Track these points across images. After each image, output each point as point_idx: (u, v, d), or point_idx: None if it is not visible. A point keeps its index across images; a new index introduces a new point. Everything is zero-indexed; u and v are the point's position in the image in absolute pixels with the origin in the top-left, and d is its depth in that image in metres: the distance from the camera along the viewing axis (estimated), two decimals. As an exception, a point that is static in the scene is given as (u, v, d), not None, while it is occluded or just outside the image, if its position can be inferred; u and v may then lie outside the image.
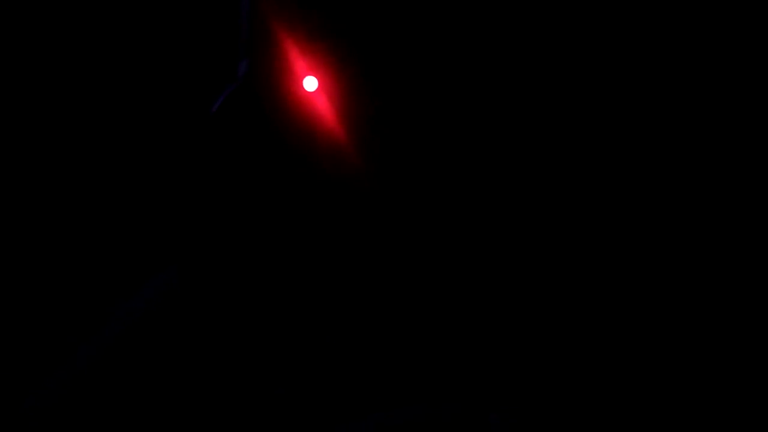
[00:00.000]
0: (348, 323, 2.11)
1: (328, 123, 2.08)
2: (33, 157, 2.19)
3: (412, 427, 1.94)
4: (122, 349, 2.01)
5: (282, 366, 2.10)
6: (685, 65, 2.08)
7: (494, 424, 1.98)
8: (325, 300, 2.12)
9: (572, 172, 2.11)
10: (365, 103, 2.11)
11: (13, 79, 2.17)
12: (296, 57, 2.07)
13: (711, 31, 2.06)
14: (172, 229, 2.16)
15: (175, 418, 2.02)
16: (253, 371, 2.07)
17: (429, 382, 2.07)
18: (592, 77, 2.09)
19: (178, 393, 2.02)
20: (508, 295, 2.09)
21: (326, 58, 2.09)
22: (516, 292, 2.09)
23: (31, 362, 2.06)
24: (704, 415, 2.00)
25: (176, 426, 2.02)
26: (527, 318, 2.09)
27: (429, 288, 2.11)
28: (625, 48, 2.08)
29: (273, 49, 2.08)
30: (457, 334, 2.09)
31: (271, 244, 2.13)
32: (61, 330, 2.10)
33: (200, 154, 2.11)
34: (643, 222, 2.11)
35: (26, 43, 2.17)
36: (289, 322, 2.11)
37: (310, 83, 2.10)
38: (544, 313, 2.08)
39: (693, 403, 2.03)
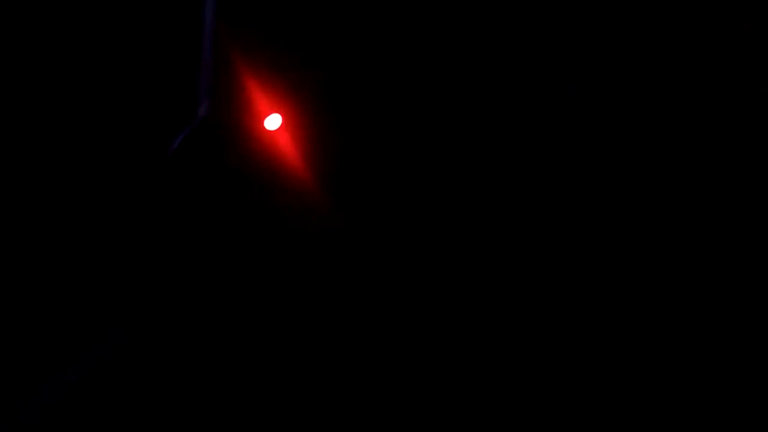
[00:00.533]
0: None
1: (290, 160, 2.05)
2: None
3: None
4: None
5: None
6: (684, 66, 2.08)
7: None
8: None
9: (572, 174, 2.11)
10: (328, 140, 2.07)
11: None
12: (258, 96, 2.03)
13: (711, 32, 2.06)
14: (124, 283, 2.09)
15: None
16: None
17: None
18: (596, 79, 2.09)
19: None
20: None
21: (288, 96, 2.06)
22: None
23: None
24: (705, 414, 1.99)
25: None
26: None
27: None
28: (626, 48, 2.08)
29: (234, 89, 2.04)
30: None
31: (232, 285, 2.08)
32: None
33: (159, 196, 2.06)
34: (643, 222, 2.12)
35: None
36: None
37: (273, 121, 2.05)
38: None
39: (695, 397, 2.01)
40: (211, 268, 2.08)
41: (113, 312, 2.01)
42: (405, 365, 2.02)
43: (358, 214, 2.10)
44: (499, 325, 2.06)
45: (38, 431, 1.90)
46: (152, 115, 2.11)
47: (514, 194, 2.12)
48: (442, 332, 2.05)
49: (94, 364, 1.97)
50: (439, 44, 2.11)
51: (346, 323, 2.04)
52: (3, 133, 2.05)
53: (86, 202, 2.09)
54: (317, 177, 2.07)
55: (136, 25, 2.10)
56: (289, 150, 2.06)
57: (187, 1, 2.06)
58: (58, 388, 1.94)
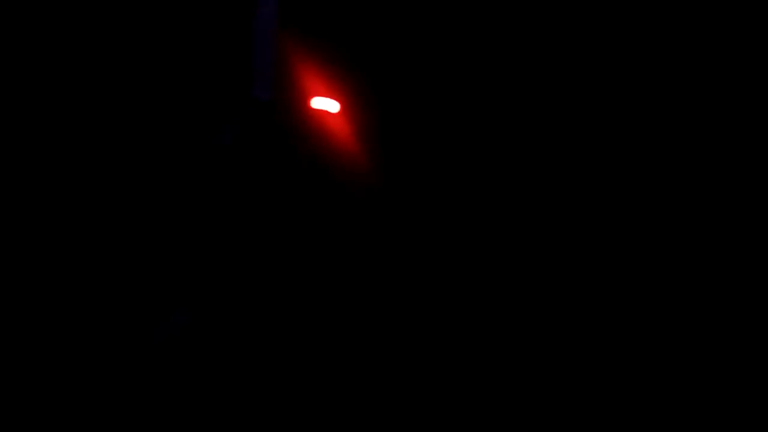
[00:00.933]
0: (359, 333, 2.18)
1: (347, 142, 2.16)
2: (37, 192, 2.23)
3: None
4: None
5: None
6: (684, 66, 2.14)
7: None
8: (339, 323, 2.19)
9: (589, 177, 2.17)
10: (382, 122, 2.18)
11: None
12: (315, 81, 2.15)
13: (709, 32, 2.12)
14: (187, 266, 2.20)
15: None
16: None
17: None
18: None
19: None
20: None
21: (344, 81, 2.17)
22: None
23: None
24: (705, 414, 2.06)
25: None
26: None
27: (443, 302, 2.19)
28: (626, 48, 2.14)
29: (293, 75, 2.16)
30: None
31: (290, 263, 2.20)
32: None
33: (217, 181, 2.17)
34: (643, 222, 2.18)
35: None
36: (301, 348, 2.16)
37: (329, 105, 2.18)
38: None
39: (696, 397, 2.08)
40: (271, 247, 2.20)
41: (180, 294, 2.13)
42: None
43: (408, 188, 2.20)
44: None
45: (118, 394, 2.01)
46: (218, 102, 2.23)
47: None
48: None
49: (164, 339, 2.09)
50: (489, 38, 2.18)
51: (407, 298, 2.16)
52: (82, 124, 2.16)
53: (158, 192, 2.20)
54: (370, 156, 2.19)
55: (206, 19, 2.21)
56: (344, 131, 2.18)
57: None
58: (134, 358, 2.06)
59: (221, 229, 2.02)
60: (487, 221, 2.10)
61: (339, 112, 2.06)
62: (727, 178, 2.12)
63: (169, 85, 2.21)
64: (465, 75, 2.11)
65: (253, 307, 2.04)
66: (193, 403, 1.98)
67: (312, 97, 2.09)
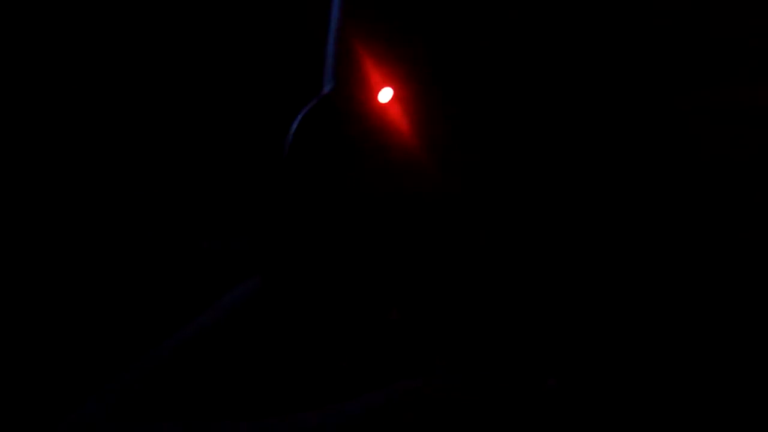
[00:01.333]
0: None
1: (401, 131, 2.21)
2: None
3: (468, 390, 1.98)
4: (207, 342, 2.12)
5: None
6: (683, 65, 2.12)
7: (552, 389, 1.99)
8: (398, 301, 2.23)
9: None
10: (437, 112, 2.22)
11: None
12: (372, 71, 2.20)
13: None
14: (255, 239, 2.28)
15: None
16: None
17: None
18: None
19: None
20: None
21: (399, 71, 2.22)
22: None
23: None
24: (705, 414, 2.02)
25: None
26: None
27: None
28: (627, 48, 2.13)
29: (352, 66, 2.21)
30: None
31: (353, 250, 2.25)
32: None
33: (286, 163, 2.25)
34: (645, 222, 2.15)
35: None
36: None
37: (385, 94, 2.23)
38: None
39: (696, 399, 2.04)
40: (333, 228, 2.25)
41: (253, 264, 2.22)
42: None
43: (466, 179, 2.23)
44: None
45: (180, 362, 2.08)
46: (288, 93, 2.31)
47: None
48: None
49: (231, 309, 2.17)
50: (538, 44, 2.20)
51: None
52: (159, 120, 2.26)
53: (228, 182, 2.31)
54: (426, 144, 2.23)
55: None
56: (399, 119, 2.23)
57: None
58: (198, 329, 2.13)
59: (288, 218, 2.08)
60: (561, 222, 2.09)
61: (402, 103, 2.09)
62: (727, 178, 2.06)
63: (248, 81, 2.29)
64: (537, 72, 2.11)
65: (314, 296, 2.09)
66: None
67: (377, 89, 2.13)
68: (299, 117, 2.20)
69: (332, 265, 2.19)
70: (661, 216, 2.06)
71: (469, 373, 2.00)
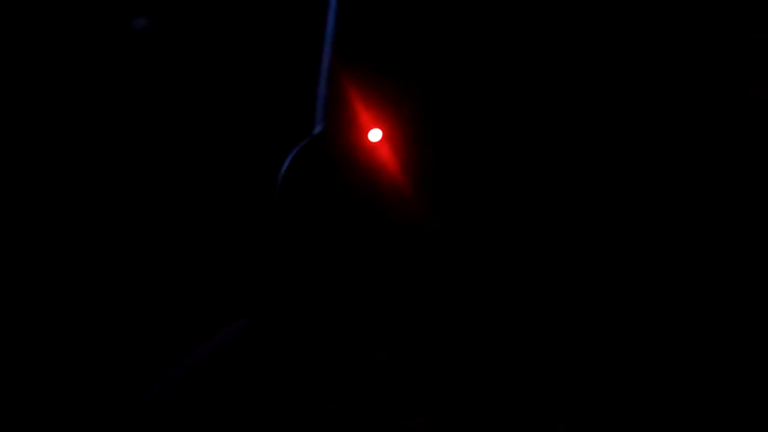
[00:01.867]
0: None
1: (390, 170, 2.23)
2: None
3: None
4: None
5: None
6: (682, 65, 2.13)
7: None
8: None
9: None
10: (425, 152, 2.24)
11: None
12: (362, 112, 2.22)
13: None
14: (243, 281, 2.27)
15: None
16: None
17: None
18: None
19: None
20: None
21: (388, 112, 2.24)
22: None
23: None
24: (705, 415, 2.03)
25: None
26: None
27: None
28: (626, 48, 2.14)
29: (343, 107, 2.23)
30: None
31: (341, 289, 2.25)
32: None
33: (276, 203, 2.25)
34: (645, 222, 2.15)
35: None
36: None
37: (375, 135, 2.24)
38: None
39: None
40: (322, 267, 2.26)
41: (237, 304, 2.21)
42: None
43: (453, 217, 2.25)
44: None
45: (166, 403, 2.07)
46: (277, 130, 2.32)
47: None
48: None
49: (219, 350, 2.16)
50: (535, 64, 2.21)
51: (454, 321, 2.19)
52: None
53: (219, 206, 2.30)
54: (415, 183, 2.25)
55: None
56: (388, 159, 2.25)
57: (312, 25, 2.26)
58: (186, 369, 2.12)
59: (276, 249, 2.09)
60: (538, 255, 2.11)
61: (391, 143, 2.11)
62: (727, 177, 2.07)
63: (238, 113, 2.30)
64: (526, 111, 2.12)
65: (302, 324, 2.10)
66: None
67: (367, 129, 2.15)
68: (290, 157, 2.21)
69: (320, 304, 2.20)
70: (661, 216, 2.07)
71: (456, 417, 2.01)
